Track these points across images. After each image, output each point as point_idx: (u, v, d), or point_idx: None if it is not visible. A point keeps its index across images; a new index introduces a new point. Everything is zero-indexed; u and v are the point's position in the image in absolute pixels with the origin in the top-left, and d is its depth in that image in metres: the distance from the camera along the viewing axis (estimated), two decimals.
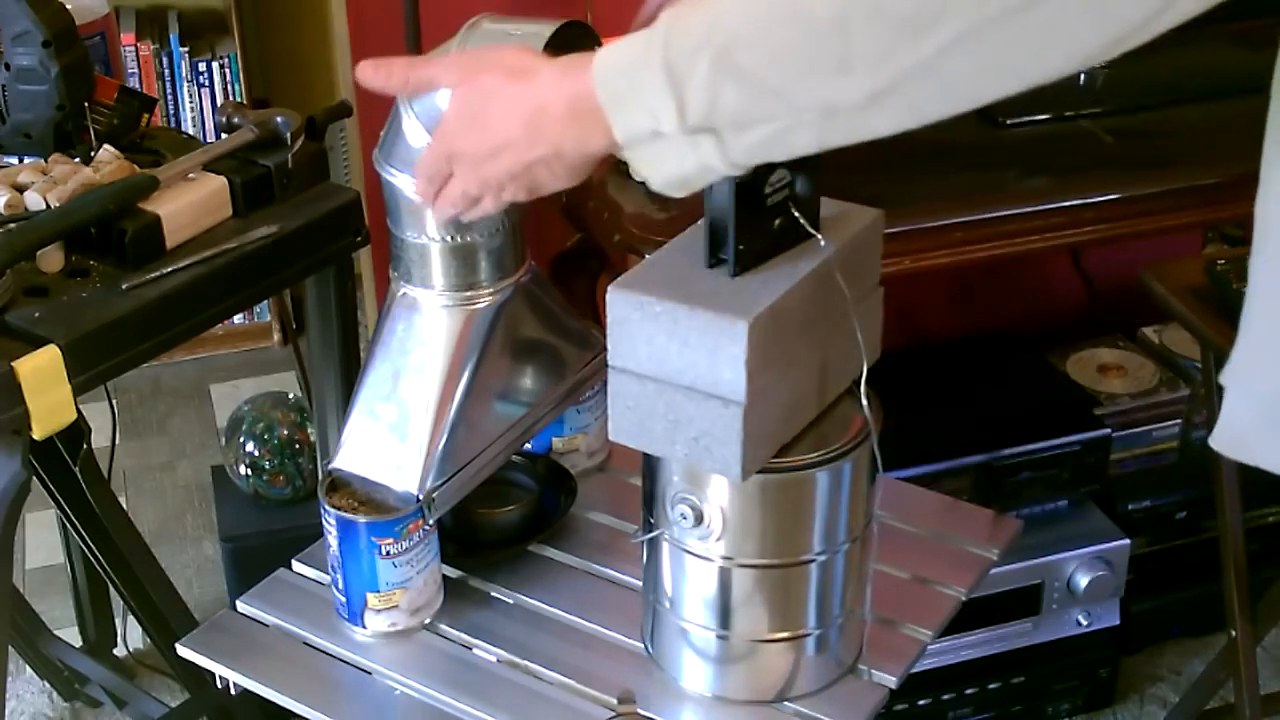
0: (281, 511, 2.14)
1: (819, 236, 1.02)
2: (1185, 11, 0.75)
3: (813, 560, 1.08)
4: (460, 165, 0.98)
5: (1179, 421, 2.16)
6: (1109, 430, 2.00)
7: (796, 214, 1.01)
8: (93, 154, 1.51)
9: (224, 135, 1.51)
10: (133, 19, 2.93)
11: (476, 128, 0.96)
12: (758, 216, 0.99)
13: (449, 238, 1.15)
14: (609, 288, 1.00)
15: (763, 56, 0.81)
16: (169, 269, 1.37)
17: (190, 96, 2.95)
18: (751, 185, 0.98)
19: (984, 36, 0.76)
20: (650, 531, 1.11)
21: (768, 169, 0.99)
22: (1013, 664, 2.03)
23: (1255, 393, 1.01)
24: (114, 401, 1.87)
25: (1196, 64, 1.85)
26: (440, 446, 1.15)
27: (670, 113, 0.84)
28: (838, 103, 0.81)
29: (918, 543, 1.31)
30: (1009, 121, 1.82)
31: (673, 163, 0.87)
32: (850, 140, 0.83)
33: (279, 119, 1.50)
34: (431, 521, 1.17)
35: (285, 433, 2.14)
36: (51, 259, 1.36)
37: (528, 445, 1.31)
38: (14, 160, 1.56)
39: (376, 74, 1.02)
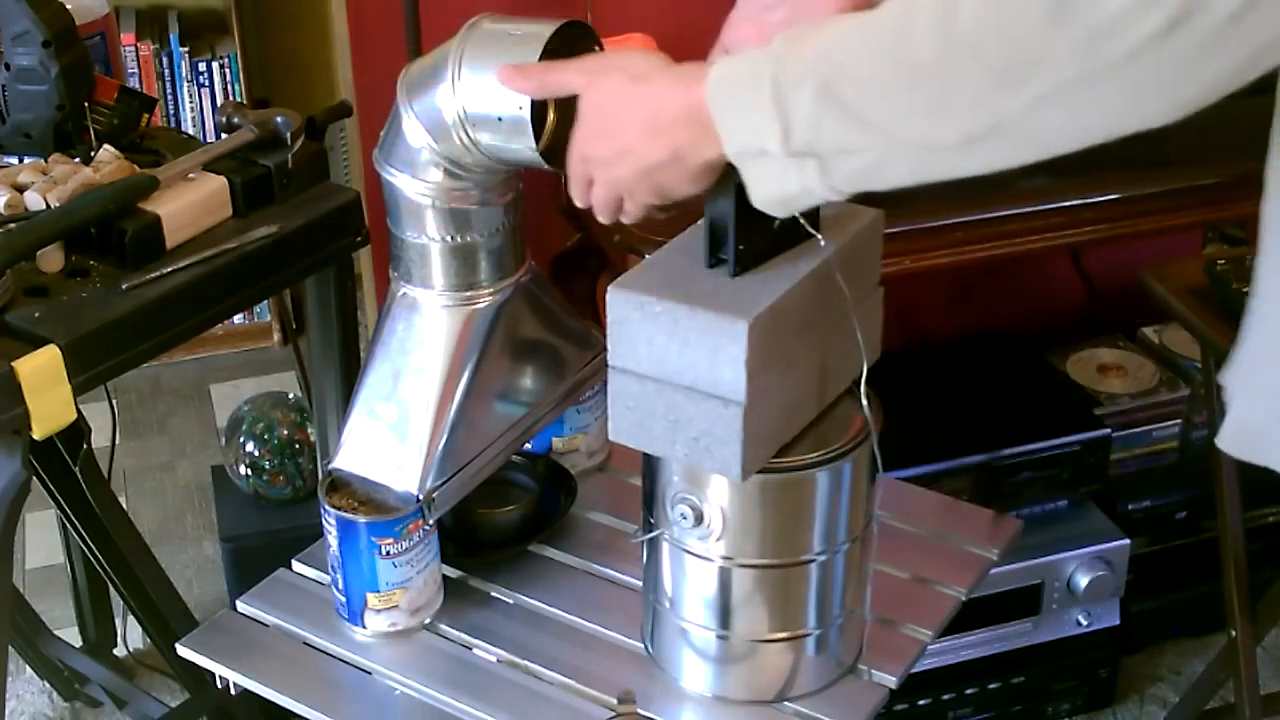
0: (281, 511, 2.14)
1: (819, 236, 1.02)
2: (1274, 61, 0.74)
3: (813, 560, 1.08)
4: (594, 169, 0.99)
5: (1179, 421, 2.16)
6: (1109, 430, 1.99)
7: (796, 214, 1.01)
8: (93, 154, 1.51)
9: (224, 135, 1.51)
10: (133, 19, 2.93)
11: (603, 133, 0.97)
12: (758, 216, 0.99)
13: (449, 238, 1.15)
14: (609, 288, 1.00)
15: (866, 92, 0.82)
16: (169, 269, 1.37)
17: (190, 96, 2.95)
18: None
19: (1079, 90, 0.76)
20: (650, 531, 1.11)
21: None
22: (1013, 664, 2.03)
23: (1268, 395, 1.00)
24: (114, 401, 1.87)
25: None
26: (440, 446, 1.15)
27: (775, 134, 0.85)
28: (935, 142, 0.82)
29: (918, 543, 1.31)
30: None
31: (775, 182, 0.88)
32: (946, 176, 0.84)
33: (279, 119, 1.50)
34: (431, 521, 1.17)
35: (285, 433, 2.14)
36: (51, 259, 1.36)
37: (528, 445, 1.31)
38: (14, 160, 1.55)
39: (514, 77, 1.03)
